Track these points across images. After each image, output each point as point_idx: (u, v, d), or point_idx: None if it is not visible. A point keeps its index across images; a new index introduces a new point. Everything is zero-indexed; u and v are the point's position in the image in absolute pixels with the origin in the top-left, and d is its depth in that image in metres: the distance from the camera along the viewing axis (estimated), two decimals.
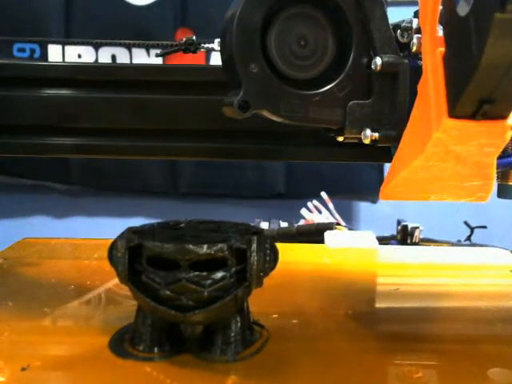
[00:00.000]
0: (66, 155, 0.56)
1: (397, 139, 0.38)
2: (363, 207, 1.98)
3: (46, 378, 0.36)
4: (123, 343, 0.38)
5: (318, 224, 0.89)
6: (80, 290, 0.53)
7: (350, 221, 1.84)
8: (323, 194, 1.18)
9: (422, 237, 0.97)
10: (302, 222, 1.08)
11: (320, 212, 1.13)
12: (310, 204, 1.15)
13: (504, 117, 0.30)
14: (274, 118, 0.39)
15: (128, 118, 0.51)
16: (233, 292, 0.34)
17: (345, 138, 0.41)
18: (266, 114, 0.38)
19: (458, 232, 1.10)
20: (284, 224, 1.01)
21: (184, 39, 0.55)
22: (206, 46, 0.55)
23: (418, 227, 0.96)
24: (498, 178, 0.43)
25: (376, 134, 0.39)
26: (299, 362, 0.38)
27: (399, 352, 0.41)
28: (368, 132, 0.39)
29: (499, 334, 0.45)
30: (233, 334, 0.37)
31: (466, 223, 1.12)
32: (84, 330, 0.43)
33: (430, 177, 0.35)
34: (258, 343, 0.39)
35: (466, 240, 1.09)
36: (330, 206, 1.15)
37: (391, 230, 1.02)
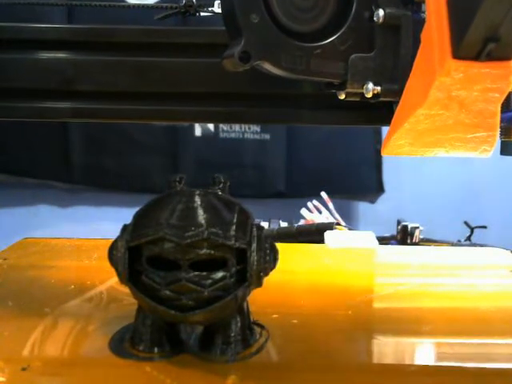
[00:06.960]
0: (65, 119, 0.54)
1: (399, 93, 0.37)
2: (363, 207, 1.98)
3: (45, 377, 0.36)
4: (123, 343, 0.38)
5: (318, 224, 0.89)
6: (80, 290, 0.53)
7: (350, 221, 1.84)
8: (323, 194, 1.18)
9: (421, 237, 0.97)
10: (301, 222, 1.08)
11: (320, 212, 1.14)
12: (309, 204, 1.15)
13: (508, 58, 0.29)
14: (275, 71, 0.38)
15: (128, 81, 0.50)
16: (233, 292, 0.34)
17: (346, 95, 0.40)
18: (266, 66, 0.37)
19: (458, 232, 1.10)
20: (284, 224, 1.01)
21: (184, 1, 0.53)
22: (206, 9, 0.53)
23: (417, 227, 0.97)
24: (501, 134, 0.42)
25: (378, 88, 0.38)
26: (299, 361, 0.38)
27: (399, 351, 0.41)
28: (370, 86, 0.38)
29: (498, 335, 0.45)
30: (233, 334, 0.37)
31: (465, 223, 1.12)
32: (84, 330, 0.43)
33: (433, 128, 0.34)
34: (258, 343, 0.39)
35: (466, 240, 1.09)
36: (330, 205, 1.15)
37: (391, 230, 1.02)
